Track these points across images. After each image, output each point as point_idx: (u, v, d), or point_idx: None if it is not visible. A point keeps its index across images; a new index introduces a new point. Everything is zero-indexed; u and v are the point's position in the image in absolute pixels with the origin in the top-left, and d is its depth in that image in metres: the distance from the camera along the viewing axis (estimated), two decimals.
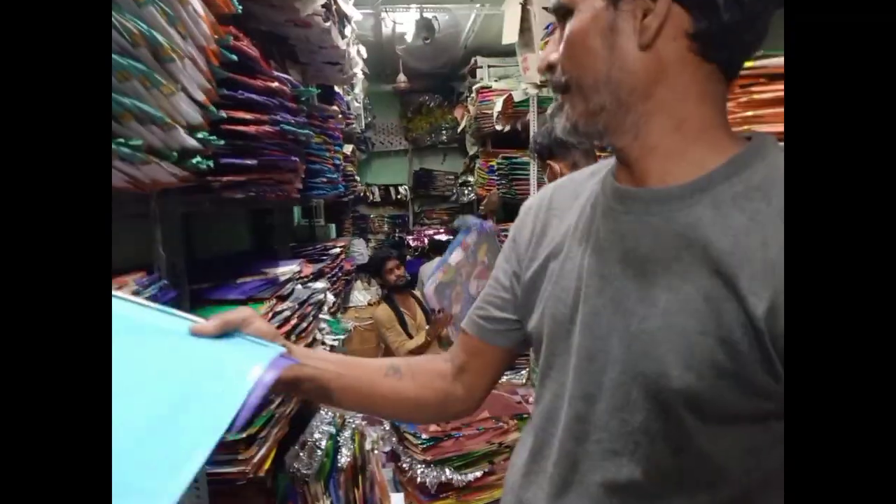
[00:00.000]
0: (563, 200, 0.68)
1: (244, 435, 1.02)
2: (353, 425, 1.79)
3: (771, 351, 0.47)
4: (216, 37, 0.76)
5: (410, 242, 5.17)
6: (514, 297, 0.71)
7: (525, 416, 2.34)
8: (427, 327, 3.03)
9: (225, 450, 1.03)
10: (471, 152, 4.77)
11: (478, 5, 3.26)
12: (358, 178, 3.91)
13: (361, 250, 4.61)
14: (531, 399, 0.84)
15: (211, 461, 1.00)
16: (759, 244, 0.48)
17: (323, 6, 1.29)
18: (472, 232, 2.79)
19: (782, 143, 0.49)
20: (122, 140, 0.56)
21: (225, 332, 0.61)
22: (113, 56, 0.51)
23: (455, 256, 2.75)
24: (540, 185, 2.60)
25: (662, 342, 0.52)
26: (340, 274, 2.31)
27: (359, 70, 2.23)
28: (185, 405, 0.48)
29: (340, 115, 2.14)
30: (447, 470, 2.19)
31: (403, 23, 3.40)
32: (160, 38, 0.58)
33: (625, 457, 0.56)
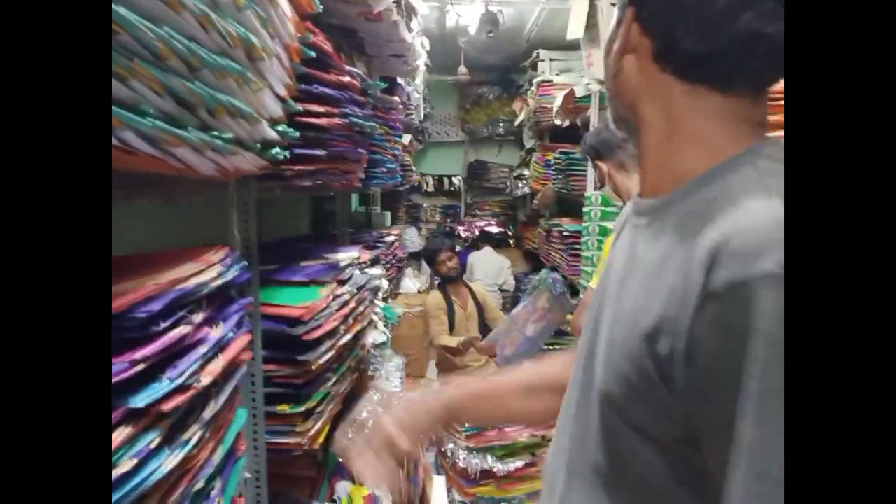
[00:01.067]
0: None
1: (303, 409, 1.09)
2: None
3: (650, 370, 0.47)
4: (299, 35, 0.81)
5: (461, 233, 5.21)
6: None
7: None
8: (470, 335, 2.99)
9: (284, 421, 1.10)
10: (528, 146, 4.74)
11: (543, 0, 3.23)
12: (414, 168, 3.96)
13: (413, 238, 4.68)
14: None
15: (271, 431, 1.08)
16: (666, 269, 0.48)
17: (394, 1, 1.32)
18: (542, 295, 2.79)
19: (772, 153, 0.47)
20: (215, 133, 0.62)
21: None
22: (213, 56, 0.56)
23: (518, 309, 2.81)
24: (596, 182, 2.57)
25: (604, 350, 0.55)
26: (394, 261, 2.37)
27: (421, 62, 2.26)
28: None
29: (401, 106, 2.18)
30: (489, 458, 2.22)
31: (468, 16, 3.41)
32: (254, 39, 0.63)
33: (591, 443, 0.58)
